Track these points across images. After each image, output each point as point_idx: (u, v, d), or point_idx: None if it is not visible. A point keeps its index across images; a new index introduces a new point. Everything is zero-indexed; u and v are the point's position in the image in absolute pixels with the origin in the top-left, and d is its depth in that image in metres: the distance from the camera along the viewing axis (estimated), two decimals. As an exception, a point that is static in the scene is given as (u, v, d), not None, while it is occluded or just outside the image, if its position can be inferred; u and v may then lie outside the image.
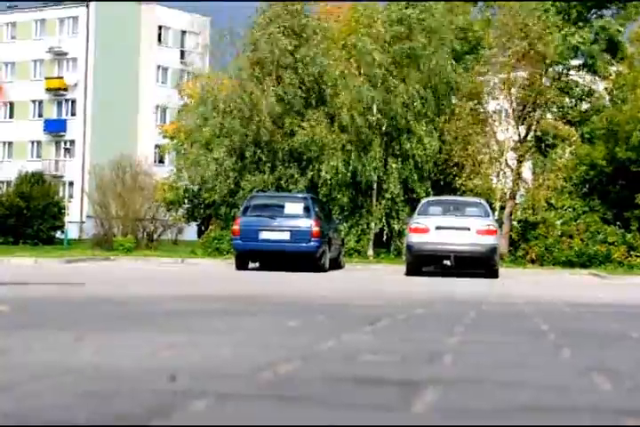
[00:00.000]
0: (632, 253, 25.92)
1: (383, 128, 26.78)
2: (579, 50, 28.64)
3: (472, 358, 3.02)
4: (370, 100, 26.48)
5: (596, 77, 29.67)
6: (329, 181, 26.69)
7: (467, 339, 3.74)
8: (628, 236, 26.37)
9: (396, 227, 26.87)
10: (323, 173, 26.49)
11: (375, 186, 26.90)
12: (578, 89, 29.28)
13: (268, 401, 2.03)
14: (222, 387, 2.22)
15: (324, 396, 2.12)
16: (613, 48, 29.20)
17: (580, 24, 28.87)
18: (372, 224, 26.93)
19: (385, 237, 27.33)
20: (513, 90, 27.15)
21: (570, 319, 5.40)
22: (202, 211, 32.14)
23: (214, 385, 2.25)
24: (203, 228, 33.46)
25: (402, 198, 26.97)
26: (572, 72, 29.59)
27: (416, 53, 26.92)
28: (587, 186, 28.86)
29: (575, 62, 29.55)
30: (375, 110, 26.56)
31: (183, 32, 65.60)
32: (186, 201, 32.68)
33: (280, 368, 2.58)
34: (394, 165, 26.67)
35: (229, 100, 27.40)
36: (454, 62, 27.77)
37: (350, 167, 26.54)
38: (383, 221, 26.94)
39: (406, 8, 27.68)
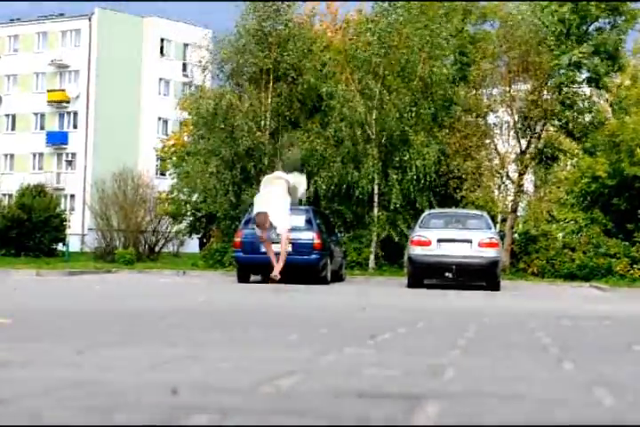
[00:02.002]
0: (634, 266, 25.85)
1: (383, 140, 26.70)
2: (581, 66, 28.57)
3: (474, 372, 3.02)
4: (365, 113, 26.40)
5: (599, 90, 29.60)
6: (328, 194, 26.69)
7: (468, 352, 3.73)
8: (631, 248, 26.29)
9: (399, 239, 26.80)
10: (321, 185, 26.46)
11: (376, 198, 26.85)
12: (579, 102, 29.18)
13: (269, 415, 2.03)
14: (224, 401, 2.22)
15: (326, 410, 2.11)
16: (613, 58, 29.07)
17: (582, 38, 28.78)
18: (374, 236, 26.86)
19: (387, 248, 27.28)
20: (514, 102, 27.17)
21: (572, 332, 5.39)
22: (203, 223, 32.15)
23: (216, 399, 2.25)
24: (204, 240, 33.47)
25: (403, 210, 26.92)
26: (573, 85, 29.52)
27: (409, 62, 26.67)
28: (589, 198, 28.80)
29: (578, 78, 29.39)
30: (374, 123, 26.48)
31: (185, 45, 65.73)
32: (188, 213, 32.67)
33: (282, 382, 2.57)
34: (394, 177, 26.60)
35: (229, 114, 27.36)
36: (452, 74, 27.61)
37: (348, 179, 26.51)
38: (387, 230, 26.88)
39: (396, 11, 27.30)
